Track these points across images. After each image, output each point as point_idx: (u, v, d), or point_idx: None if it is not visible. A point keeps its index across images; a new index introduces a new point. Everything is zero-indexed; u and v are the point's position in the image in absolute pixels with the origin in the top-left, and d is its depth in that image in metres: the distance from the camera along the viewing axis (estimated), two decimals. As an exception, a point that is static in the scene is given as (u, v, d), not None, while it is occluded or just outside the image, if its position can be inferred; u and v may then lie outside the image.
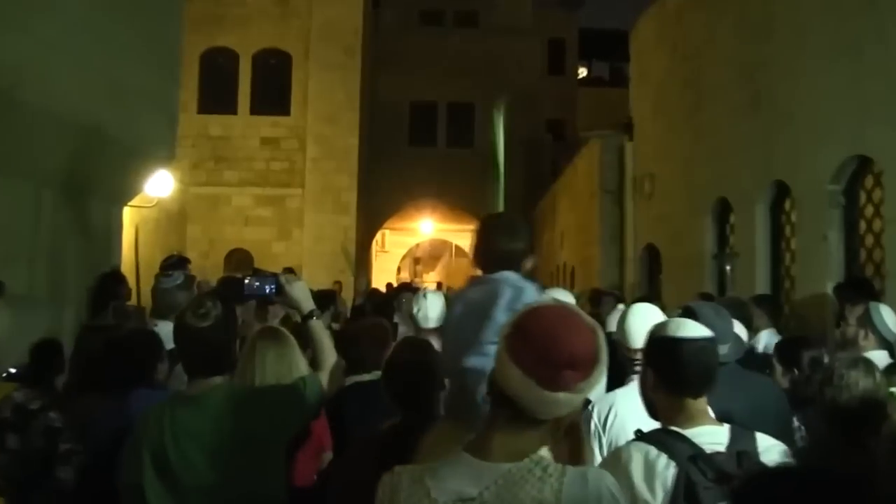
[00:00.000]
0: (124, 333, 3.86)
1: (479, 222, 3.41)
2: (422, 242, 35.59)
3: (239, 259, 20.13)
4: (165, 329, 4.48)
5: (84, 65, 6.37)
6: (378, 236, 29.24)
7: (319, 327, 3.05)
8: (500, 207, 13.01)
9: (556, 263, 19.78)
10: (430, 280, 34.51)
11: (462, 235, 33.20)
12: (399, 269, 34.90)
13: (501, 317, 2.99)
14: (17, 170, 5.89)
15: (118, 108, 6.98)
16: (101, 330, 3.98)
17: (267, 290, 3.05)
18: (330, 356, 3.02)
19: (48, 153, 6.21)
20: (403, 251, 34.86)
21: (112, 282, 6.78)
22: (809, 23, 7.78)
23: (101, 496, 2.91)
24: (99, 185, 7.20)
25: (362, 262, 23.60)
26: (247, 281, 3.07)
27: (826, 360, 4.21)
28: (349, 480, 2.80)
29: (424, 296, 4.93)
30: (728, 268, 7.47)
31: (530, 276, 3.25)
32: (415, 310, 4.87)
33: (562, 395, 1.67)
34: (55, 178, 6.42)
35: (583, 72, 33.02)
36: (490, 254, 3.22)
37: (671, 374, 2.37)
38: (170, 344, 3.70)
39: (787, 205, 8.53)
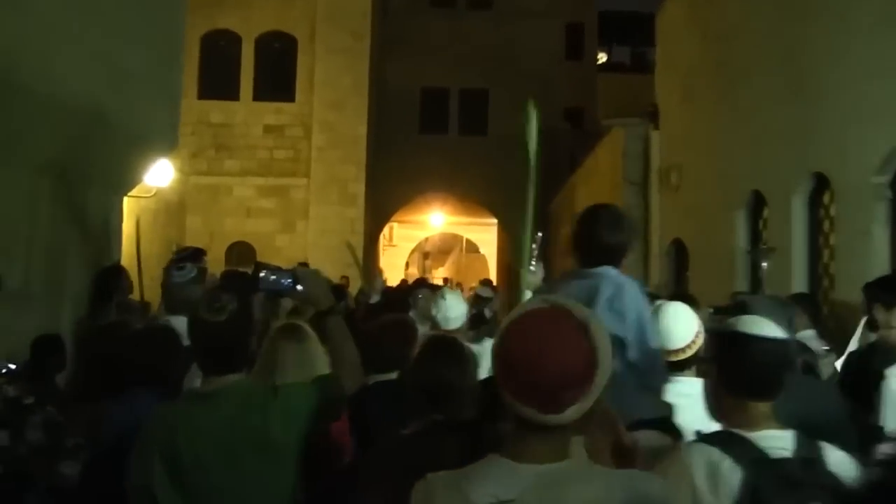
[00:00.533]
0: (143, 330, 3.82)
1: (581, 213, 3.41)
2: (431, 236, 35.57)
3: (241, 252, 20.10)
4: (179, 325, 4.45)
5: (83, 47, 6.34)
6: (385, 230, 29.20)
7: (339, 324, 3.02)
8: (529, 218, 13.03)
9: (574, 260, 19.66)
10: (439, 276, 34.47)
11: (474, 229, 33.17)
12: (407, 265, 34.88)
13: (603, 316, 3.04)
14: (13, 158, 5.88)
15: (118, 92, 6.96)
16: (111, 328, 3.94)
17: (284, 285, 3.02)
18: (350, 354, 2.99)
19: (45, 140, 6.19)
20: (412, 245, 34.86)
21: (111, 276, 6.80)
22: (855, -1, 7.68)
23: (104, 497, 2.88)
24: (98, 174, 7.18)
25: (370, 257, 23.56)
26: (262, 274, 3.04)
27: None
28: (375, 484, 2.78)
29: (443, 296, 4.94)
30: (764, 265, 7.42)
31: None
32: (433, 311, 4.88)
33: (571, 410, 1.67)
34: (53, 167, 6.40)
35: (602, 57, 32.87)
36: (591, 247, 3.25)
37: (738, 375, 2.35)
38: (184, 340, 3.69)
39: (827, 198, 8.45)
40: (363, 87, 21.45)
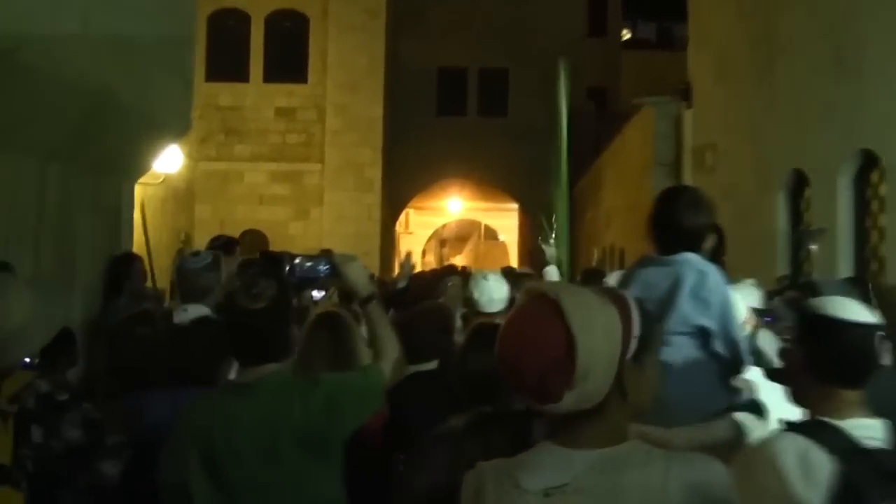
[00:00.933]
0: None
1: (659, 195, 3.44)
2: (448, 223, 35.52)
3: (252, 241, 20.03)
4: (197, 314, 4.41)
5: (91, 24, 6.28)
6: (401, 217, 29.15)
7: (379, 312, 2.99)
8: (564, 199, 13.12)
9: (602, 245, 19.59)
10: (456, 264, 34.35)
11: (493, 214, 33.10)
12: (424, 252, 34.84)
13: (686, 305, 3.13)
14: (19, 142, 5.83)
15: (129, 73, 6.89)
16: (137, 321, 3.88)
17: (321, 272, 3.01)
18: (392, 344, 2.97)
19: (53, 124, 6.14)
20: (428, 232, 34.82)
21: (123, 265, 6.79)
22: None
23: (144, 496, 2.85)
24: (108, 159, 7.13)
25: (387, 244, 23.52)
26: (297, 261, 3.03)
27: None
28: (422, 479, 2.78)
29: (485, 277, 4.93)
30: (814, 247, 7.33)
31: (711, 256, 3.32)
32: (476, 294, 4.86)
33: (569, 397, 1.67)
34: (61, 152, 6.36)
35: (626, 34, 32.63)
36: (669, 231, 3.26)
37: (829, 362, 2.30)
38: None
39: (875, 176, 8.33)
40: (379, 67, 21.37)
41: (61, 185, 6.46)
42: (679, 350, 3.13)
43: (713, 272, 3.24)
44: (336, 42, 21.07)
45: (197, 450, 2.64)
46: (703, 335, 3.21)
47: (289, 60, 21.30)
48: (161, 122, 7.92)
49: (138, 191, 12.09)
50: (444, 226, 35.69)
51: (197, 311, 4.54)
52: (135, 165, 8.01)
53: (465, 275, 6.79)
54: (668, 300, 3.12)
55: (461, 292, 5.85)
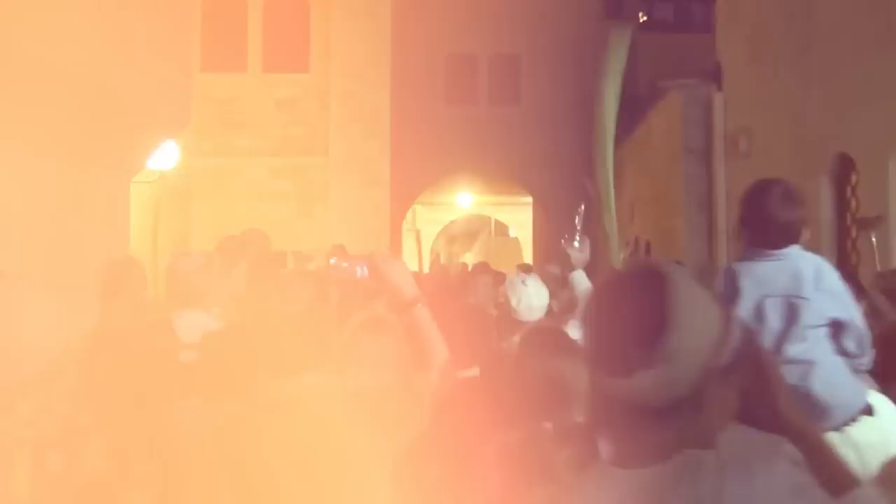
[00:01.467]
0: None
1: (749, 190, 3.58)
2: (456, 219, 35.40)
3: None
4: (192, 320, 4.24)
5: (86, 9, 6.20)
6: (408, 213, 29.02)
7: (426, 317, 2.84)
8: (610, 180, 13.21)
9: (625, 238, 19.43)
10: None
11: (505, 209, 32.97)
12: (432, 251, 34.71)
13: (817, 297, 3.23)
14: (12, 135, 5.74)
15: (126, 62, 6.82)
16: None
17: (358, 273, 2.90)
18: (440, 351, 2.83)
19: (46, 115, 6.04)
20: (437, 229, 34.69)
21: (122, 270, 6.66)
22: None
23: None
24: (104, 153, 7.04)
25: (394, 243, 23.39)
26: (333, 262, 2.94)
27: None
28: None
29: (524, 282, 4.85)
30: (874, 239, 7.19)
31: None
32: (513, 300, 4.73)
33: (642, 376, 1.55)
34: (55, 145, 6.26)
35: (642, 16, 32.53)
36: (767, 225, 3.36)
37: None
38: (195, 337, 3.49)
39: (931, 159, 8.18)
40: (386, 53, 21.28)
41: (54, 182, 6.36)
42: (817, 345, 3.25)
43: (827, 264, 3.37)
44: (339, 28, 20.94)
45: (227, 467, 2.53)
46: (835, 328, 3.30)
47: (289, 49, 21.19)
48: (159, 115, 7.84)
49: (148, 190, 12.02)
50: (452, 222, 35.58)
51: (195, 317, 4.38)
52: (131, 160, 7.93)
53: (494, 274, 6.63)
54: (793, 293, 3.24)
55: (492, 293, 5.71)
